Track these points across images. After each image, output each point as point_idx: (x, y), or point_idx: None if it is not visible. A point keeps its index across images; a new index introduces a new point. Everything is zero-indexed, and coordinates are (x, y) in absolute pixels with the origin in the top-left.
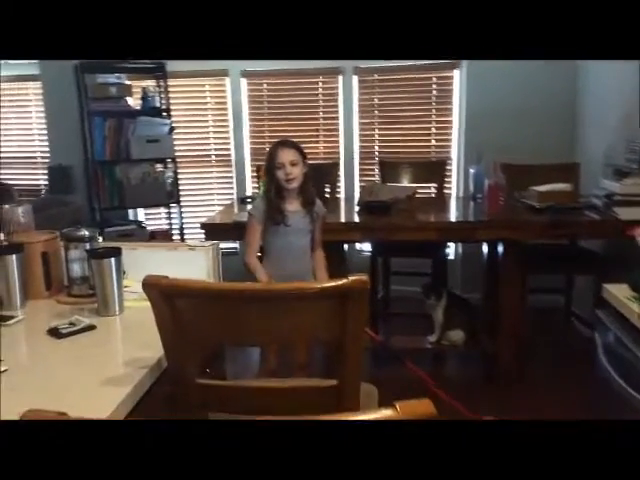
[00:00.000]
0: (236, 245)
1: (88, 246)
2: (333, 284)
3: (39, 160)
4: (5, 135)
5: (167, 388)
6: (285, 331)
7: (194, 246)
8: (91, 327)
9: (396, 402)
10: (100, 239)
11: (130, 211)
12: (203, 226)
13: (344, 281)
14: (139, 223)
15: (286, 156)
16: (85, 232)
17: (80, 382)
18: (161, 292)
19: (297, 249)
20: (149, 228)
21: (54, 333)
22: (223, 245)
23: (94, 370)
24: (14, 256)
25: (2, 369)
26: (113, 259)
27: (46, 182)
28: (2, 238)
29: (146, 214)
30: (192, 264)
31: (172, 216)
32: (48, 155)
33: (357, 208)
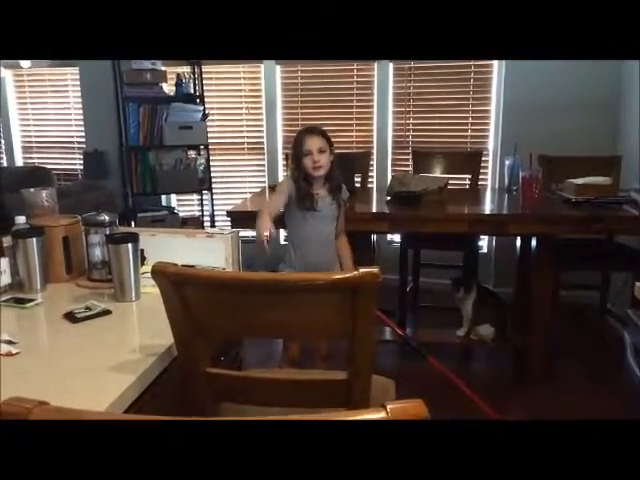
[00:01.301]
0: (266, 233)
1: (108, 231)
2: (343, 276)
3: (76, 145)
4: (44, 120)
5: (177, 376)
6: (294, 323)
7: (213, 233)
8: (106, 312)
9: (387, 403)
10: (132, 224)
11: (163, 197)
12: (229, 214)
13: (354, 273)
14: (171, 209)
15: (314, 143)
16: (105, 217)
17: (88, 367)
18: (169, 280)
19: (324, 237)
20: (181, 214)
21: (69, 317)
22: (253, 233)
23: (104, 356)
24: (34, 239)
25: (14, 352)
26: (130, 245)
27: (82, 167)
28: (24, 221)
29: (178, 200)
30: (211, 251)
31: (204, 203)
32: (84, 140)
33: (387, 198)
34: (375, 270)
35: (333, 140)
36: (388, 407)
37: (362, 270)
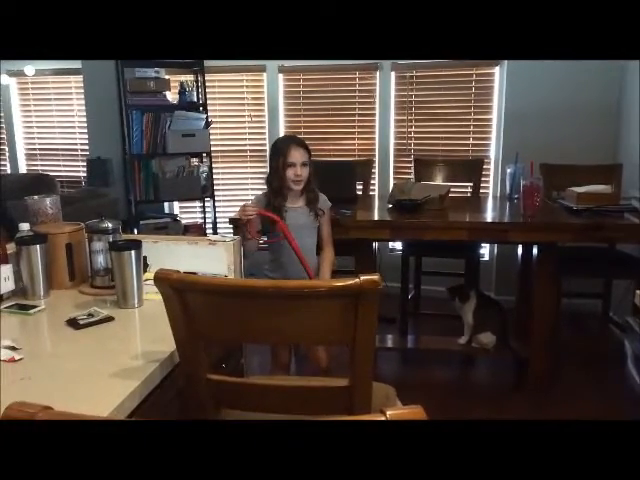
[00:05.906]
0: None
1: (111, 238)
2: (344, 283)
3: (79, 152)
4: (48, 127)
5: (180, 383)
6: (294, 330)
7: (215, 240)
8: (109, 319)
9: (387, 409)
10: (135, 231)
11: (166, 205)
12: (231, 221)
13: (355, 280)
14: (174, 217)
15: (298, 156)
16: (108, 224)
17: (91, 373)
18: (171, 286)
19: (303, 248)
20: (183, 222)
21: (72, 324)
22: None
23: (107, 362)
24: (38, 246)
25: (18, 358)
26: (133, 252)
27: (85, 174)
28: (28, 228)
29: (181, 208)
30: (213, 258)
31: (206, 210)
32: (87, 147)
33: (389, 206)
34: (375, 277)
35: (335, 147)
36: (387, 413)
37: (363, 277)
